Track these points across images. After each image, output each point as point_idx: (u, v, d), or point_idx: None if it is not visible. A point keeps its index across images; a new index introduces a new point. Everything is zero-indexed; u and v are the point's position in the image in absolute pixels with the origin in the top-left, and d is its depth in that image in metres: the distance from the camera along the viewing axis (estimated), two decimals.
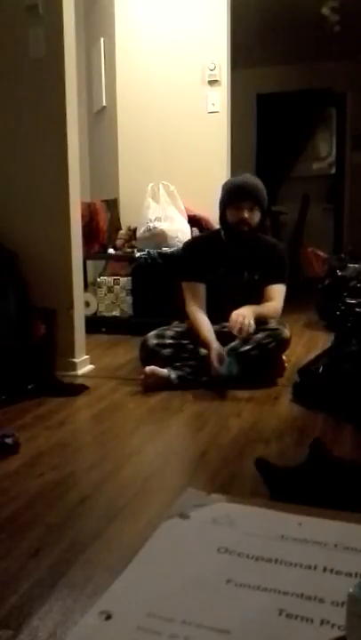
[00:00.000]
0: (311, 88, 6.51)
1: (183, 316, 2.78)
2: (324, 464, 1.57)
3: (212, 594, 1.05)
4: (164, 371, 2.56)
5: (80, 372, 2.86)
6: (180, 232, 3.94)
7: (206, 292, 2.74)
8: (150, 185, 4.09)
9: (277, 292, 2.75)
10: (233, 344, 2.58)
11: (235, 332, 2.53)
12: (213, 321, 2.66)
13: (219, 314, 2.64)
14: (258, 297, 2.71)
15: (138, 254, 3.90)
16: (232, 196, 2.74)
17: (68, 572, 1.20)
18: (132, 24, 4.34)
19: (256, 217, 2.72)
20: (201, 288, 2.74)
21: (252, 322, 2.52)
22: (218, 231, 2.89)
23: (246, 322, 2.51)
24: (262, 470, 1.57)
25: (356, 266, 4.08)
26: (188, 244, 3.06)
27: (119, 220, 4.41)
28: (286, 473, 1.56)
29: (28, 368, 2.62)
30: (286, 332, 2.64)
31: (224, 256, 2.77)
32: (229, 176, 4.32)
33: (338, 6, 4.71)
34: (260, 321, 2.62)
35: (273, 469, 1.58)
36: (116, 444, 2.00)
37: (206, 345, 2.56)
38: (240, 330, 2.51)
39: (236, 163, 4.55)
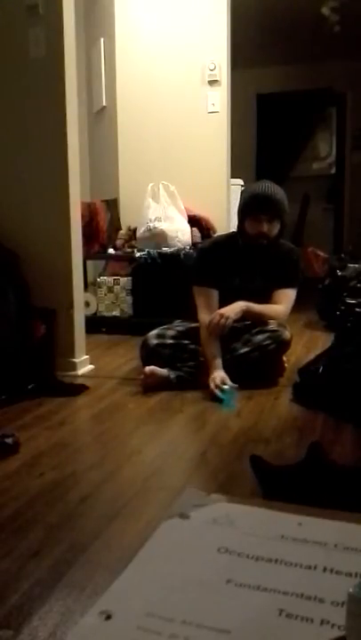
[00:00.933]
0: (311, 88, 6.51)
1: (187, 315, 2.76)
2: (320, 466, 1.57)
3: (212, 594, 1.05)
4: (164, 371, 2.56)
5: (80, 372, 2.86)
6: (180, 232, 3.94)
7: (221, 297, 2.69)
8: (150, 185, 4.09)
9: (286, 296, 2.70)
10: (234, 345, 2.59)
11: (208, 330, 2.55)
12: None
13: None
14: (267, 300, 2.69)
15: (138, 254, 3.90)
16: (251, 208, 2.65)
17: (68, 572, 1.20)
18: (132, 24, 4.34)
19: (275, 229, 2.65)
20: (214, 295, 2.69)
21: (229, 322, 2.53)
22: (234, 236, 2.82)
23: (222, 321, 2.52)
24: (256, 468, 1.57)
25: (356, 266, 4.08)
26: (202, 249, 2.96)
27: (119, 219, 4.41)
28: (280, 472, 1.56)
29: (28, 368, 2.62)
30: (287, 334, 2.63)
31: (239, 262, 2.72)
32: (229, 176, 4.34)
33: (338, 6, 4.71)
34: (261, 321, 2.62)
35: (267, 468, 1.57)
36: (116, 444, 2.00)
37: (208, 365, 2.53)
38: (213, 330, 2.53)
39: (236, 163, 4.55)
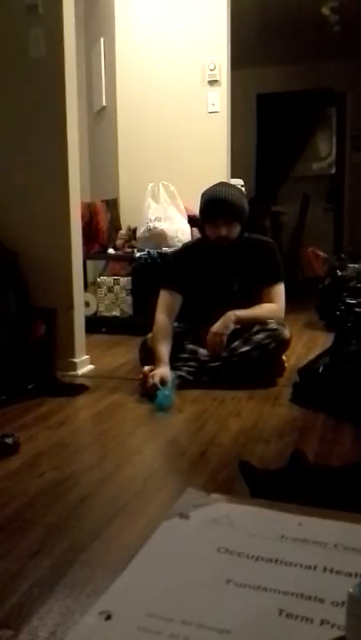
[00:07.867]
0: (311, 88, 6.50)
1: (186, 316, 2.76)
2: (304, 470, 1.56)
3: (212, 594, 1.05)
4: None
5: (80, 372, 2.86)
6: (180, 232, 3.94)
7: (201, 301, 2.70)
8: (150, 185, 4.09)
9: (276, 292, 2.70)
10: (234, 344, 2.59)
11: (209, 352, 2.57)
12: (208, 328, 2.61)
13: (214, 322, 2.60)
14: (252, 300, 2.68)
15: (138, 254, 3.90)
16: (207, 213, 2.69)
17: (68, 572, 1.20)
18: (132, 24, 4.34)
19: (235, 231, 2.67)
20: (176, 299, 2.70)
21: (224, 339, 2.55)
22: (203, 240, 2.85)
23: (217, 339, 2.55)
24: (245, 472, 1.57)
25: (356, 266, 4.08)
26: (175, 253, 3.03)
27: (119, 219, 4.41)
28: (267, 476, 1.55)
29: (28, 368, 2.62)
30: (286, 333, 2.63)
31: (212, 266, 2.72)
32: (229, 176, 4.33)
33: (338, 6, 4.71)
34: (258, 322, 2.62)
35: (255, 472, 1.57)
36: (116, 444, 2.00)
37: (156, 361, 2.50)
38: (214, 351, 2.55)
39: (236, 163, 4.54)
